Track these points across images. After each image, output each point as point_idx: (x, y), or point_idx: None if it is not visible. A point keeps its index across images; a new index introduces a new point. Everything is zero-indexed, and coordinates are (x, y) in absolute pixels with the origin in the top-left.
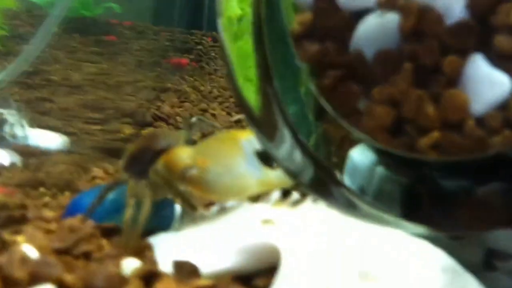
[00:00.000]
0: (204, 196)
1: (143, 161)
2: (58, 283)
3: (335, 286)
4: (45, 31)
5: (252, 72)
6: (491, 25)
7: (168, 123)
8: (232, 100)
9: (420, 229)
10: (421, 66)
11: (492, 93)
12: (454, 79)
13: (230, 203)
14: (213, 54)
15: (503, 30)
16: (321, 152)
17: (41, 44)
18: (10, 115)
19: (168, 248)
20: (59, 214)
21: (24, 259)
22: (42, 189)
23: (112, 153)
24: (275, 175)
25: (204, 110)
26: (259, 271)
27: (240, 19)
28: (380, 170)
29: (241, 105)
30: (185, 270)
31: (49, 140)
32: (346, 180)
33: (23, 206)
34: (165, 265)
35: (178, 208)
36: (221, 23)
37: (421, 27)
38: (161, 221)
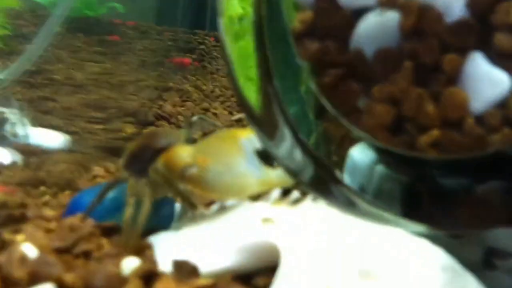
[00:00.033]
0: (204, 195)
1: (143, 159)
2: (57, 282)
3: (335, 284)
4: (47, 30)
5: (253, 71)
6: (491, 23)
7: (170, 122)
8: (233, 99)
9: (420, 227)
10: (421, 65)
11: (492, 91)
12: (454, 78)
13: (230, 202)
14: (215, 53)
15: (502, 28)
16: (321, 151)
17: (43, 43)
18: (11, 114)
19: (168, 247)
20: (60, 213)
21: (24, 259)
22: (42, 188)
23: (114, 152)
24: (275, 174)
25: (206, 109)
26: (259, 270)
27: (241, 18)
28: (380, 168)
29: (242, 104)
30: (184, 269)
31: (50, 139)
32: (346, 178)
33: (23, 205)
34: (165, 265)
35: (178, 207)
36: (222, 22)
37: (421, 25)
38: (161, 220)
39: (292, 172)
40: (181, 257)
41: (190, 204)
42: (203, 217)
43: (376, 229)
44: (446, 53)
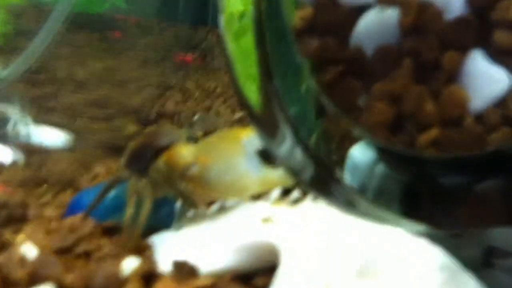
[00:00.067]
0: (204, 194)
1: (144, 158)
2: (57, 283)
3: (335, 284)
4: (49, 27)
5: (254, 69)
6: (491, 20)
7: (172, 121)
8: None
9: (420, 227)
10: (421, 62)
11: (491, 89)
12: (454, 75)
13: (230, 201)
14: (218, 51)
15: (502, 25)
16: (321, 150)
17: (45, 41)
18: (13, 112)
19: (168, 247)
20: (60, 213)
21: (24, 259)
22: (43, 188)
23: (116, 150)
24: (276, 174)
25: (208, 108)
26: (258, 270)
27: (242, 15)
28: (380, 168)
29: (242, 103)
30: (184, 269)
31: (52, 137)
32: (347, 178)
33: (24, 205)
34: (165, 264)
35: (178, 206)
36: (223, 19)
37: (420, 22)
38: (161, 220)
39: (293, 172)
40: (181, 257)
41: (190, 204)
42: (203, 217)
43: (376, 228)
44: (445, 50)
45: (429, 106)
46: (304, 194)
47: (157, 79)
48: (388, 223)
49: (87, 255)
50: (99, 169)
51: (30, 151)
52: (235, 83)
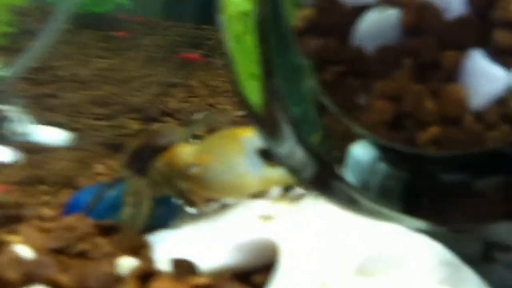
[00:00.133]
0: (205, 193)
1: (143, 158)
2: (51, 283)
3: (334, 282)
4: (52, 27)
5: (255, 69)
6: (491, 20)
7: (175, 118)
8: None
9: (420, 224)
10: (421, 61)
11: (491, 88)
12: (454, 74)
13: (230, 200)
14: (222, 49)
15: (502, 25)
16: (323, 148)
17: (48, 40)
18: (13, 111)
19: (167, 246)
20: (59, 212)
21: (18, 260)
22: (42, 187)
23: (118, 149)
24: (276, 173)
25: (212, 105)
26: (257, 268)
27: (243, 15)
28: (381, 166)
29: (243, 102)
30: (183, 268)
31: (52, 136)
32: (349, 176)
33: (20, 205)
34: (163, 263)
35: (177, 205)
36: (223, 19)
37: (421, 22)
38: (160, 219)
39: (293, 171)
40: (180, 255)
41: (190, 203)
42: (203, 215)
43: (376, 226)
44: (445, 49)
45: (429, 105)
46: (305, 192)
47: (161, 77)
48: (389, 220)
49: (83, 254)
50: (100, 167)
51: (30, 150)
52: (236, 83)
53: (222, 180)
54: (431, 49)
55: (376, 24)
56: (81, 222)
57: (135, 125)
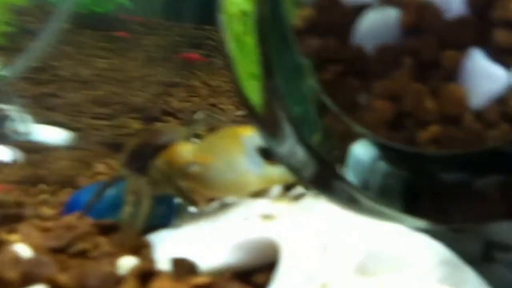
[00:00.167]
0: (205, 192)
1: (143, 157)
2: (51, 283)
3: (334, 281)
4: (52, 26)
5: (256, 68)
6: (490, 19)
7: (176, 118)
8: None
9: (421, 223)
10: (421, 61)
11: (490, 87)
12: (453, 74)
13: (230, 198)
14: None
15: (501, 24)
16: (324, 147)
17: (48, 40)
18: (13, 111)
19: (167, 245)
20: (58, 212)
21: (17, 259)
22: (42, 186)
23: (118, 148)
24: (277, 171)
25: (213, 105)
26: (259, 267)
27: (244, 15)
28: (382, 165)
29: (243, 102)
30: (183, 267)
31: (52, 135)
32: (350, 175)
33: (20, 204)
34: (164, 263)
35: (178, 204)
36: (223, 19)
37: (421, 22)
38: (161, 218)
39: (294, 170)
40: (180, 254)
41: (190, 202)
42: (203, 215)
43: (376, 226)
44: (445, 49)
45: (429, 104)
46: (305, 191)
47: (162, 77)
48: (389, 220)
49: (83, 254)
50: (100, 167)
51: (30, 149)
52: (236, 83)
53: (223, 178)
54: (431, 49)
55: (376, 24)
56: (81, 221)
57: (135, 125)
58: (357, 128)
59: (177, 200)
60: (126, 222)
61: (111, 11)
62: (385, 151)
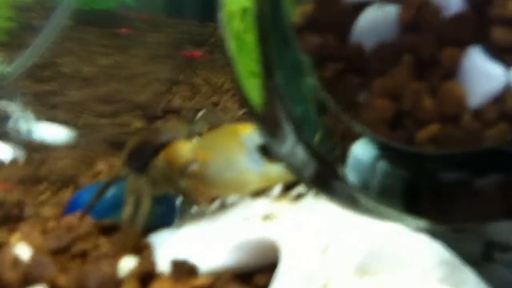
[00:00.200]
0: (205, 191)
1: (143, 156)
2: (50, 284)
3: (334, 281)
4: (54, 23)
5: (256, 66)
6: (489, 17)
7: (179, 116)
8: None
9: (421, 223)
10: (420, 59)
11: (489, 85)
12: (452, 72)
13: (231, 198)
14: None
15: (500, 22)
16: (324, 147)
17: (50, 36)
18: (15, 109)
19: (168, 246)
20: (59, 211)
21: (17, 260)
22: (43, 186)
23: (120, 147)
24: (277, 170)
25: (216, 103)
26: (260, 268)
27: (244, 12)
28: (382, 165)
29: (244, 101)
30: (183, 269)
31: (54, 134)
32: (350, 175)
33: (21, 204)
34: (164, 264)
35: (179, 204)
36: (223, 16)
37: (419, 19)
38: (163, 218)
39: (295, 170)
40: (181, 255)
41: (191, 201)
42: (204, 215)
43: (376, 225)
44: (444, 46)
45: (428, 103)
46: (306, 190)
47: (165, 75)
48: (390, 220)
49: (83, 255)
50: (102, 166)
51: (31, 148)
52: (236, 81)
53: (222, 177)
54: (429, 47)
55: (375, 21)
56: (81, 222)
57: (138, 123)
58: (357, 127)
59: (179, 199)
60: (126, 222)
61: (113, 8)
62: (386, 151)
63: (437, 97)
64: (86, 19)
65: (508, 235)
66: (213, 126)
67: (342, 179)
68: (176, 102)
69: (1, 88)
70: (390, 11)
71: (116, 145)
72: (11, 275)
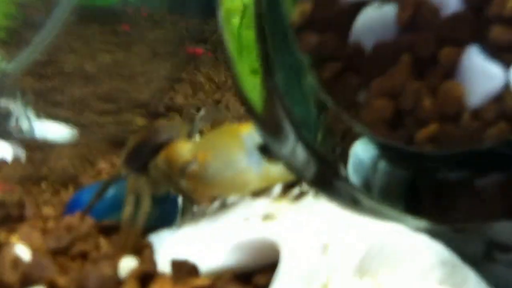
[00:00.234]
0: (205, 191)
1: (143, 155)
2: (50, 285)
3: (334, 281)
4: (55, 20)
5: (257, 64)
6: (487, 16)
7: (181, 114)
8: None
9: (421, 223)
10: (418, 58)
11: (487, 85)
12: (451, 71)
13: (231, 198)
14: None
15: (498, 21)
16: (325, 147)
17: (52, 33)
18: (16, 107)
19: (168, 246)
20: (60, 211)
21: (16, 261)
22: (44, 185)
23: (122, 145)
24: (277, 170)
25: (218, 101)
26: (260, 268)
27: (243, 10)
28: (382, 165)
29: (243, 101)
30: (183, 269)
31: (56, 132)
32: (351, 175)
33: (21, 204)
34: (164, 264)
35: (181, 203)
36: (221, 14)
37: (417, 18)
38: (164, 218)
39: (295, 170)
40: (180, 255)
41: (191, 201)
42: (204, 215)
43: (376, 225)
44: (442, 46)
45: (427, 102)
46: (305, 191)
47: (167, 72)
48: (390, 220)
49: (83, 255)
50: (103, 164)
51: (33, 146)
52: (236, 80)
53: (222, 176)
54: (427, 46)
55: (374, 20)
56: (81, 222)
57: (140, 121)
58: (357, 127)
59: (180, 199)
60: (126, 222)
61: (115, 5)
62: (386, 150)
63: (437, 97)
64: (87, 16)
65: (509, 235)
66: (215, 124)
67: (342, 179)
68: (179, 99)
69: (2, 86)
70: (389, 11)
71: (118, 143)
72: (11, 276)
